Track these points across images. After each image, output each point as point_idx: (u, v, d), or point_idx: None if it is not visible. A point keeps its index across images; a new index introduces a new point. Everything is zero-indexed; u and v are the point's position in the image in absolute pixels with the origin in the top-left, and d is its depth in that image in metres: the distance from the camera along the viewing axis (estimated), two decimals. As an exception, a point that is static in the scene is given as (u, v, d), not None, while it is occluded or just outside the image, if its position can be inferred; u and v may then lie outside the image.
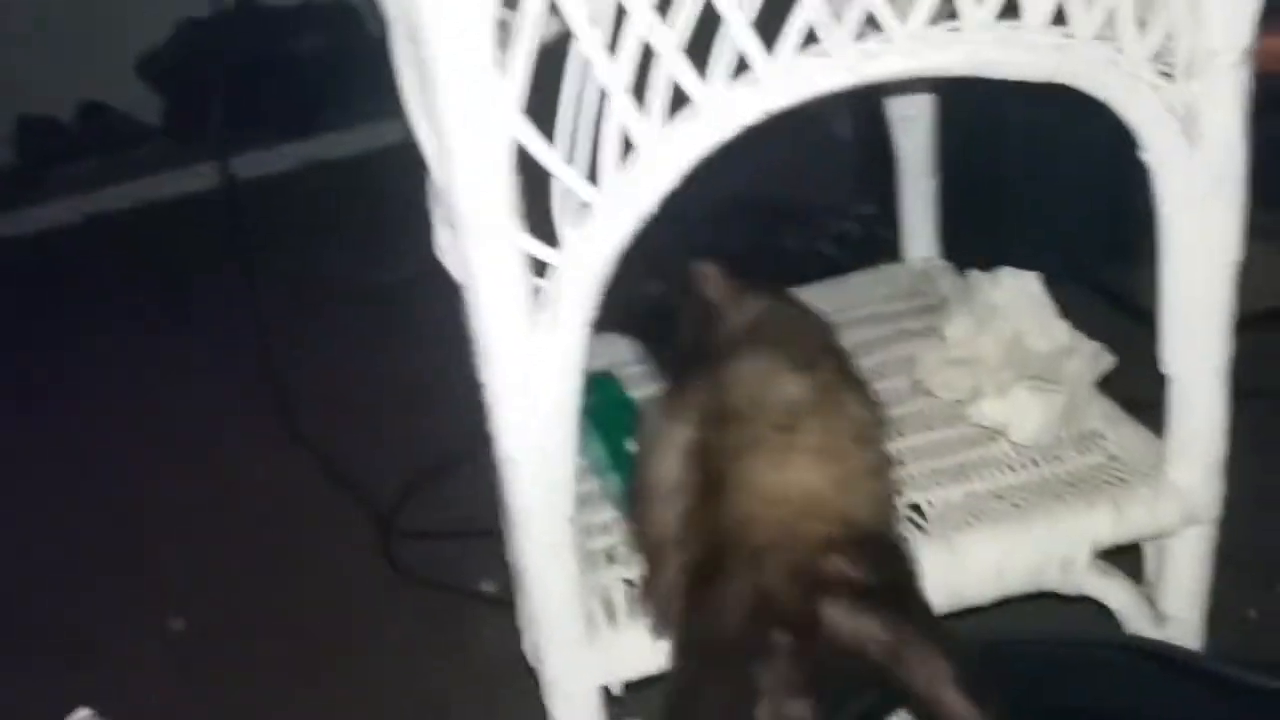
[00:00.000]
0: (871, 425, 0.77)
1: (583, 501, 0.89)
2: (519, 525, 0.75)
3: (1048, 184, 1.43)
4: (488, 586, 1.19)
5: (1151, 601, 0.88)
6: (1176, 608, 0.88)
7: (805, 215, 1.52)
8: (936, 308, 1.05)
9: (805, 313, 0.90)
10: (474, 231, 0.66)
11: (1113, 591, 0.87)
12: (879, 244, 1.22)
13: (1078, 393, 0.89)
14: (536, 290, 0.68)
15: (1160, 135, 0.73)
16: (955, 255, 1.14)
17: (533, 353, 0.69)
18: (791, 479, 0.70)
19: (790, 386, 0.75)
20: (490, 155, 0.64)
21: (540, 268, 0.68)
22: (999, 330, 0.90)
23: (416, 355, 1.50)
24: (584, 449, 0.91)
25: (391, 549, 1.30)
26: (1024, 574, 0.83)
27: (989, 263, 0.98)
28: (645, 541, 0.78)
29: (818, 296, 1.13)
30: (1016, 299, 0.91)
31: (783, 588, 0.66)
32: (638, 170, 0.66)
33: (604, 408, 0.92)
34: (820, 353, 0.82)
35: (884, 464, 0.76)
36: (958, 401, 0.93)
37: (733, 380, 0.77)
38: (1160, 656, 0.81)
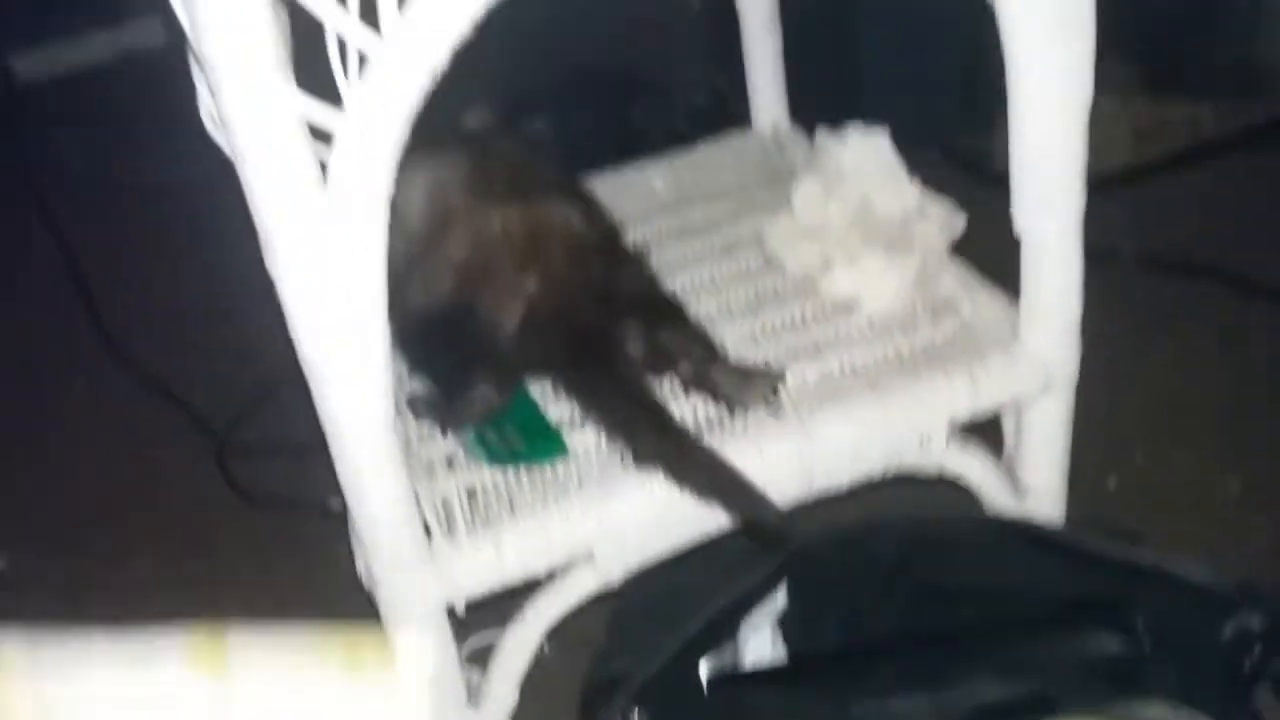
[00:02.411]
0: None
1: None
2: (333, 438, 0.68)
3: (899, 44, 1.37)
4: (336, 504, 1.11)
5: (1012, 474, 0.86)
6: (1037, 478, 0.86)
7: (655, 87, 1.44)
8: (787, 176, 0.99)
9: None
10: (232, 85, 0.56)
11: (972, 466, 0.84)
12: (730, 114, 1.14)
13: (930, 257, 0.85)
14: (323, 166, 0.59)
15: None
16: (808, 121, 1.07)
17: (323, 237, 0.60)
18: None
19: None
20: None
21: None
22: (846, 195, 0.84)
23: (231, 258, 1.40)
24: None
25: (229, 469, 1.23)
26: (882, 453, 0.80)
27: (840, 125, 0.92)
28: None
29: (664, 171, 1.08)
30: (864, 160, 0.86)
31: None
32: (423, 11, 0.57)
33: None
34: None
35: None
36: (809, 275, 0.88)
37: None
38: (1022, 531, 0.78)
